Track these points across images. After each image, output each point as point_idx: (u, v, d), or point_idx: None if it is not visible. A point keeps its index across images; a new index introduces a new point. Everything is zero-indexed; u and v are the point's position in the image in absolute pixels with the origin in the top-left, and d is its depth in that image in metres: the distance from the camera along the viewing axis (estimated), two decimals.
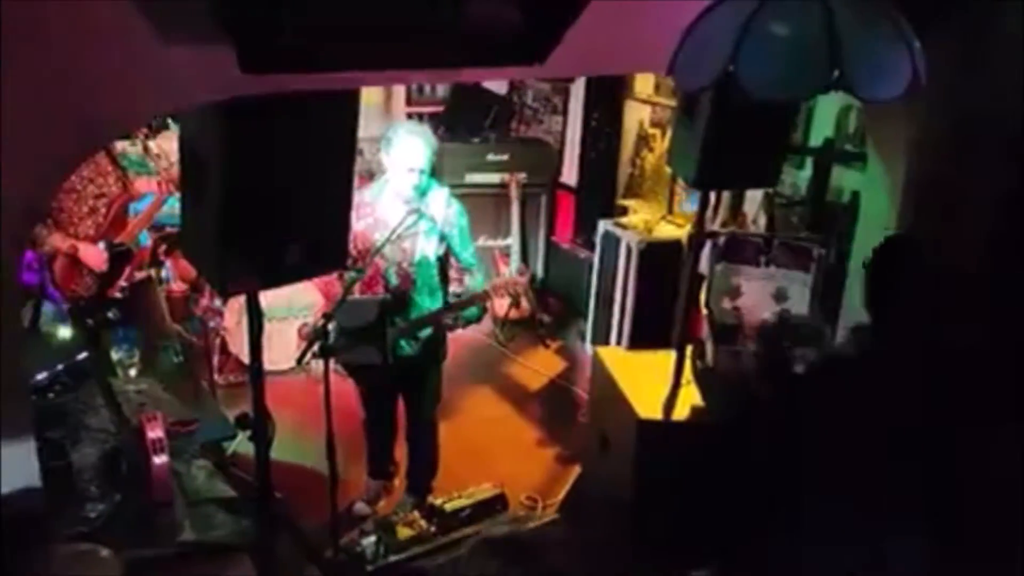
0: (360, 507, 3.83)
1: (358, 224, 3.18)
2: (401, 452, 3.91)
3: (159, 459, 2.49)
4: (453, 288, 3.57)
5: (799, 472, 2.47)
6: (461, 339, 4.00)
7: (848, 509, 2.23)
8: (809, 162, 3.99)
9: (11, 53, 1.60)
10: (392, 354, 3.31)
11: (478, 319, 3.70)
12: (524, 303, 5.42)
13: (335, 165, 2.13)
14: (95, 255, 3.57)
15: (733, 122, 2.74)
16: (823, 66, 1.48)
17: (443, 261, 3.51)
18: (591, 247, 5.34)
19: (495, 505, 3.63)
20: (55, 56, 1.67)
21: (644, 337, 4.62)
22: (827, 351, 3.06)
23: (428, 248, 3.41)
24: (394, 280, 3.40)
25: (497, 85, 6.25)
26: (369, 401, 3.74)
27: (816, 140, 4.02)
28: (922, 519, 1.95)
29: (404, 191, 3.32)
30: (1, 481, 1.81)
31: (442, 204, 3.42)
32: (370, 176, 5.35)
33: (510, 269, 5.59)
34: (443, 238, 3.44)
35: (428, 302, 3.45)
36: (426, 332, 3.49)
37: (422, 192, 3.36)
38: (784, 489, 2.56)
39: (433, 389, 3.73)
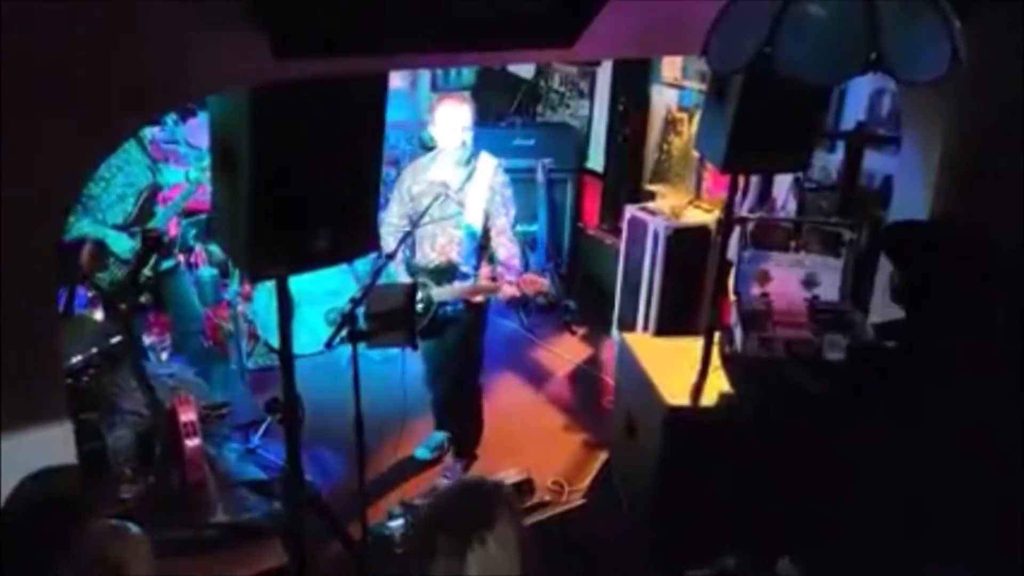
0: (420, 450, 4.03)
1: (413, 188, 3.62)
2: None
3: (192, 442, 2.52)
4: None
5: (827, 461, 2.45)
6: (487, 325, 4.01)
7: (878, 501, 2.20)
8: (841, 146, 3.93)
9: (44, 39, 1.61)
10: (438, 315, 3.62)
11: None
12: (551, 292, 5.43)
13: (364, 150, 2.13)
14: (122, 244, 3.61)
15: (763, 105, 2.70)
16: (861, 48, 1.44)
17: (486, 232, 3.68)
18: (618, 232, 5.31)
19: (522, 490, 3.64)
20: (86, 43, 1.67)
21: (671, 323, 4.59)
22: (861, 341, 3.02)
23: (473, 217, 3.61)
24: (440, 241, 3.62)
25: (523, 69, 6.21)
26: (427, 357, 3.90)
27: (848, 123, 3.96)
28: (960, 516, 1.92)
29: (454, 154, 3.58)
30: (39, 462, 1.84)
31: (490, 172, 3.64)
32: (395, 163, 5.37)
33: (536, 256, 5.57)
34: (486, 206, 3.62)
35: (470, 271, 3.66)
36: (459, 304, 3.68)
37: (470, 158, 3.61)
38: (813, 478, 2.54)
39: (472, 350, 3.85)
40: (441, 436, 4.09)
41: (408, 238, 3.51)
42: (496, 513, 1.53)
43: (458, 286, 3.65)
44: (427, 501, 1.74)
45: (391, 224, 3.68)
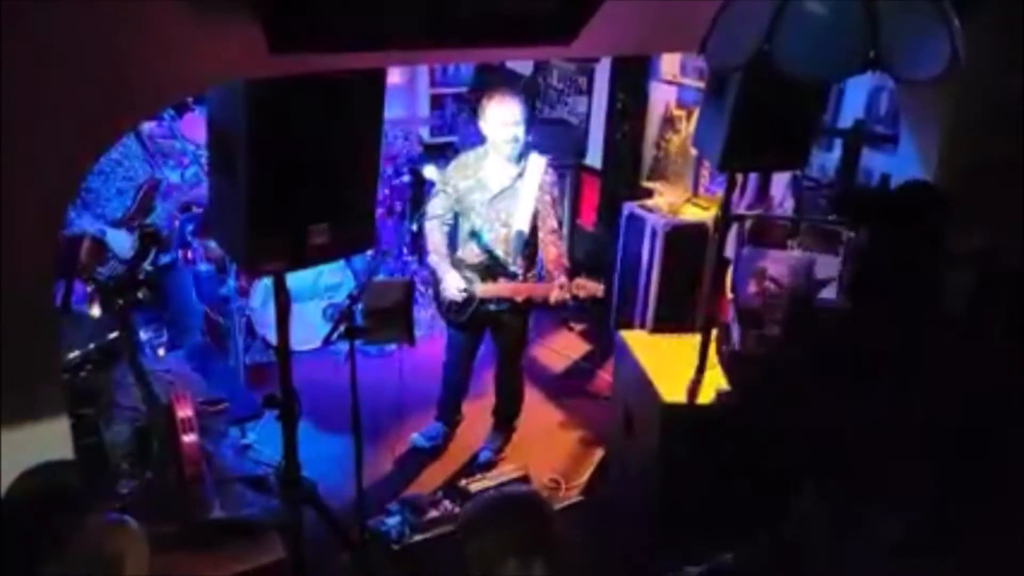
0: (416, 438, 4.03)
1: (460, 184, 3.61)
2: (467, 406, 4.17)
3: (189, 438, 2.52)
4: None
5: (823, 454, 2.45)
6: None
7: (874, 490, 2.21)
8: (838, 144, 3.93)
9: (43, 33, 1.61)
10: (479, 310, 3.67)
11: None
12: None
13: (362, 146, 2.13)
14: (120, 240, 3.60)
15: (762, 103, 2.70)
16: (860, 46, 1.44)
17: (533, 231, 3.67)
18: (615, 229, 5.31)
19: (519, 486, 3.64)
20: (84, 36, 1.67)
21: (668, 320, 4.59)
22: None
23: (522, 215, 3.61)
24: (486, 238, 3.62)
25: (522, 66, 6.20)
26: (453, 342, 3.93)
27: (846, 121, 3.95)
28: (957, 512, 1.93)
29: (505, 149, 3.54)
30: (36, 457, 1.84)
31: (539, 171, 3.61)
32: (392, 159, 5.36)
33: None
34: (535, 205, 3.61)
35: (516, 269, 3.67)
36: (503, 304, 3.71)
37: (520, 156, 3.58)
38: (808, 471, 2.54)
39: (519, 337, 3.91)
40: (440, 426, 4.10)
41: (412, 234, 3.64)
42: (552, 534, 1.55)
43: (504, 285, 3.65)
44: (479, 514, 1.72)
45: (435, 217, 3.68)
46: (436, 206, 3.70)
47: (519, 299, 3.67)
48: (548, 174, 3.65)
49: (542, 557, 1.51)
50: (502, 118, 3.51)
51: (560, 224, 3.75)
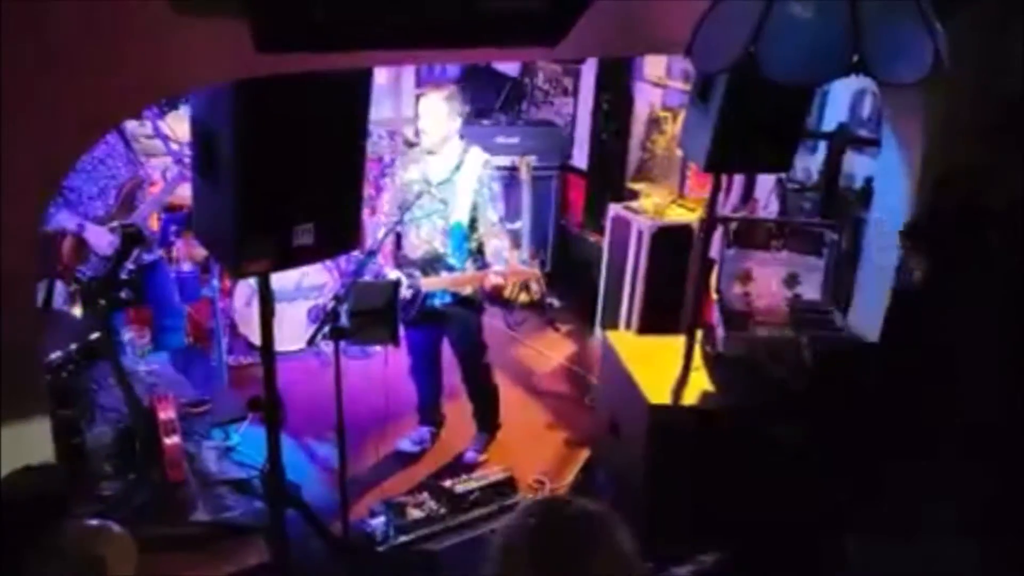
0: (403, 443, 4.01)
1: (405, 176, 3.71)
2: (450, 406, 4.15)
3: (171, 440, 2.51)
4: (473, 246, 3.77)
5: (806, 456, 2.47)
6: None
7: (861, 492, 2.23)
8: (822, 147, 3.96)
9: (25, 28, 1.59)
10: (425, 305, 3.67)
11: None
12: (534, 287, 5.43)
13: (347, 146, 2.13)
14: (101, 238, 3.57)
15: (747, 106, 2.71)
16: (844, 49, 1.46)
17: (472, 225, 3.69)
18: (601, 231, 5.32)
19: (504, 488, 3.63)
20: (69, 32, 1.65)
21: (654, 321, 4.61)
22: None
23: (460, 208, 3.62)
24: (427, 232, 3.63)
25: (508, 67, 6.20)
26: (412, 344, 3.92)
27: (830, 125, 3.98)
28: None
29: (440, 145, 3.58)
30: (17, 459, 1.82)
31: (478, 165, 3.64)
32: (378, 160, 5.35)
33: (520, 253, 5.57)
34: (473, 198, 3.63)
35: (459, 258, 3.67)
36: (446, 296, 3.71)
37: (458, 150, 3.62)
38: (794, 473, 2.56)
39: (474, 334, 3.88)
40: (425, 430, 4.09)
41: (391, 232, 3.55)
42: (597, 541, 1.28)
43: (446, 276, 3.66)
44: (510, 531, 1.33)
45: (383, 214, 3.76)
46: (384, 202, 3.79)
47: (463, 291, 3.69)
48: (487, 167, 3.68)
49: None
50: (433, 116, 3.56)
51: (501, 218, 3.75)
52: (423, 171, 3.64)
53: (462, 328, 3.85)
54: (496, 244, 3.70)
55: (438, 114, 3.56)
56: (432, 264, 3.68)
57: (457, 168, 3.61)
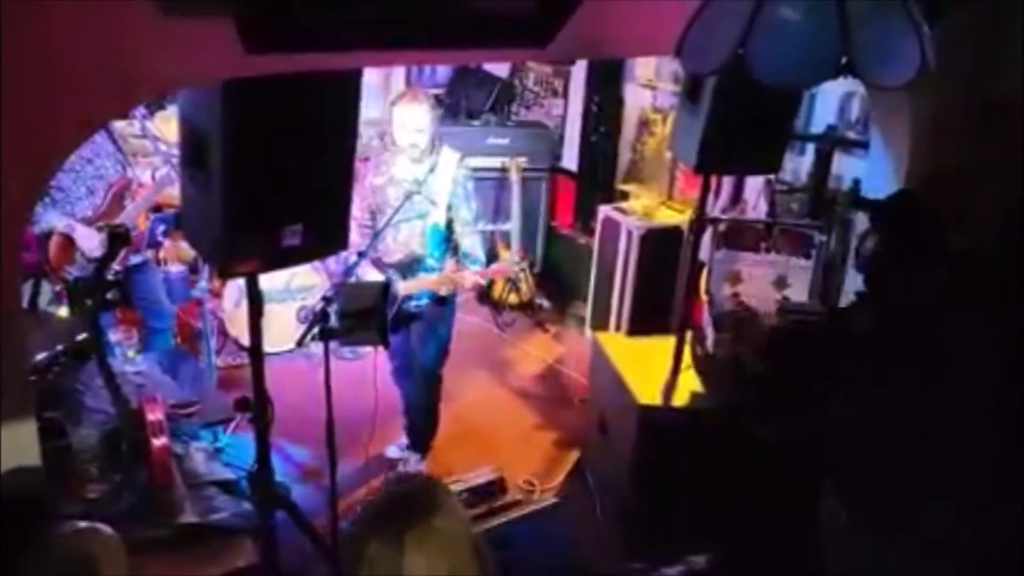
0: (390, 450, 3.97)
1: (375, 180, 3.59)
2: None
3: (159, 441, 2.49)
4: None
5: (797, 455, 2.47)
6: (459, 324, 4.01)
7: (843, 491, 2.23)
8: (811, 148, 3.98)
9: (10, 29, 1.58)
10: (402, 309, 3.58)
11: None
12: (523, 288, 5.43)
13: (337, 146, 2.12)
14: (90, 239, 3.54)
15: (736, 107, 2.73)
16: (833, 51, 1.46)
17: (449, 227, 3.63)
18: (591, 232, 5.33)
19: (493, 489, 3.64)
20: (54, 33, 1.64)
21: (644, 323, 4.62)
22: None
23: (436, 209, 3.54)
24: (403, 233, 3.55)
25: (498, 68, 6.21)
26: (392, 352, 3.83)
27: (818, 127, 4.01)
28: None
29: (411, 151, 3.48)
30: (2, 461, 1.80)
31: (452, 165, 3.55)
32: (367, 160, 5.33)
33: (510, 254, 5.58)
34: (449, 198, 3.56)
35: (435, 263, 3.62)
36: (424, 297, 3.66)
37: (430, 152, 3.52)
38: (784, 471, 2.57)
39: (441, 338, 3.78)
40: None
41: (377, 236, 3.46)
42: (431, 509, 1.41)
43: (424, 278, 3.62)
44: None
45: (353, 217, 3.62)
46: (352, 206, 3.66)
47: (441, 291, 3.63)
48: (461, 168, 3.60)
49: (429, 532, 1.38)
50: (403, 123, 3.47)
51: (475, 217, 3.70)
52: (395, 172, 3.57)
53: (430, 327, 3.75)
54: (470, 242, 3.66)
55: (408, 122, 3.46)
56: (411, 267, 3.62)
57: (431, 170, 3.53)
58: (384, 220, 3.46)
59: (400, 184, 3.51)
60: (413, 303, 3.65)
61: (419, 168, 3.51)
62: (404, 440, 4.03)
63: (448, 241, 3.68)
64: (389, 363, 3.92)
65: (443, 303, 3.72)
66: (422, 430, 3.96)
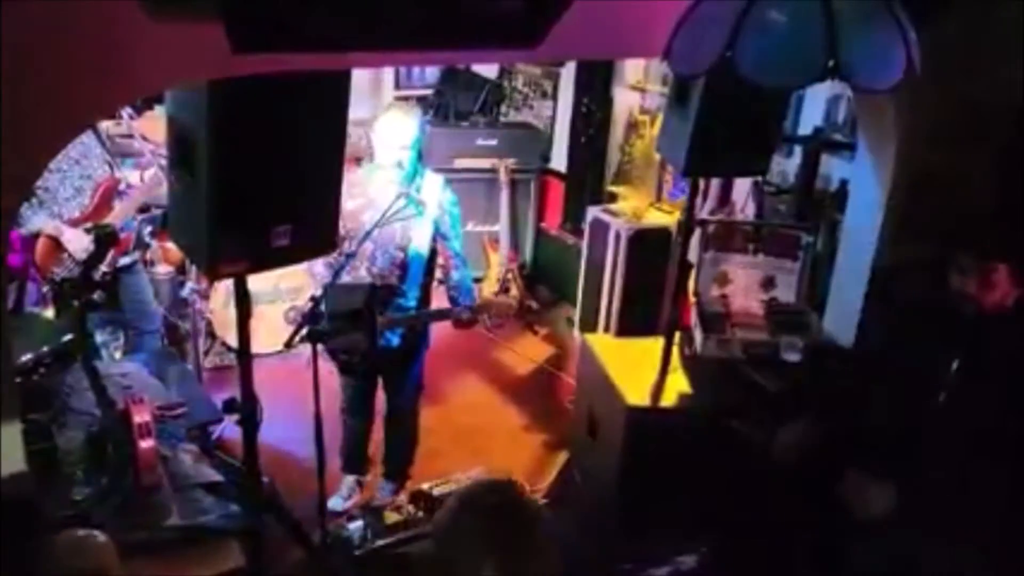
0: (335, 502, 3.64)
1: (348, 203, 3.02)
2: (375, 447, 3.82)
3: (145, 443, 2.47)
4: (438, 275, 3.53)
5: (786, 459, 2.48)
6: (448, 325, 3.96)
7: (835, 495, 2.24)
8: (798, 150, 4.00)
9: None
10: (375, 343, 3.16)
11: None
12: (513, 290, 5.43)
13: (325, 147, 2.11)
14: (77, 240, 3.51)
15: (724, 109, 2.74)
16: (820, 54, 1.47)
17: (432, 255, 3.40)
18: (580, 233, 5.34)
19: None
20: (40, 33, 1.63)
21: (632, 324, 4.63)
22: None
23: (419, 237, 3.29)
24: (381, 264, 3.29)
25: (487, 69, 6.21)
26: (348, 387, 3.60)
27: (805, 129, 4.03)
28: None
29: (393, 170, 3.20)
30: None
31: (436, 189, 3.31)
32: (357, 161, 5.32)
33: (500, 256, 5.58)
34: (435, 226, 3.33)
35: (413, 294, 3.35)
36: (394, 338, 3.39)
37: (412, 175, 3.24)
38: (770, 475, 2.57)
39: (415, 378, 3.63)
40: (352, 480, 3.80)
41: (369, 235, 3.09)
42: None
43: (405, 317, 3.31)
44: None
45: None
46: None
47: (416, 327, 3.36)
48: (446, 192, 3.34)
49: (524, 556, 1.45)
50: (387, 139, 3.19)
51: (460, 250, 3.43)
52: (374, 195, 3.22)
53: (403, 371, 3.53)
54: (456, 276, 3.43)
55: (391, 137, 3.20)
56: (384, 301, 3.26)
57: (410, 200, 3.16)
58: (368, 233, 3.09)
59: (377, 208, 3.14)
60: (390, 339, 3.32)
61: (403, 189, 3.15)
62: (345, 488, 3.77)
63: (429, 275, 3.42)
64: (340, 396, 3.58)
65: (416, 341, 3.47)
66: (399, 463, 3.77)
